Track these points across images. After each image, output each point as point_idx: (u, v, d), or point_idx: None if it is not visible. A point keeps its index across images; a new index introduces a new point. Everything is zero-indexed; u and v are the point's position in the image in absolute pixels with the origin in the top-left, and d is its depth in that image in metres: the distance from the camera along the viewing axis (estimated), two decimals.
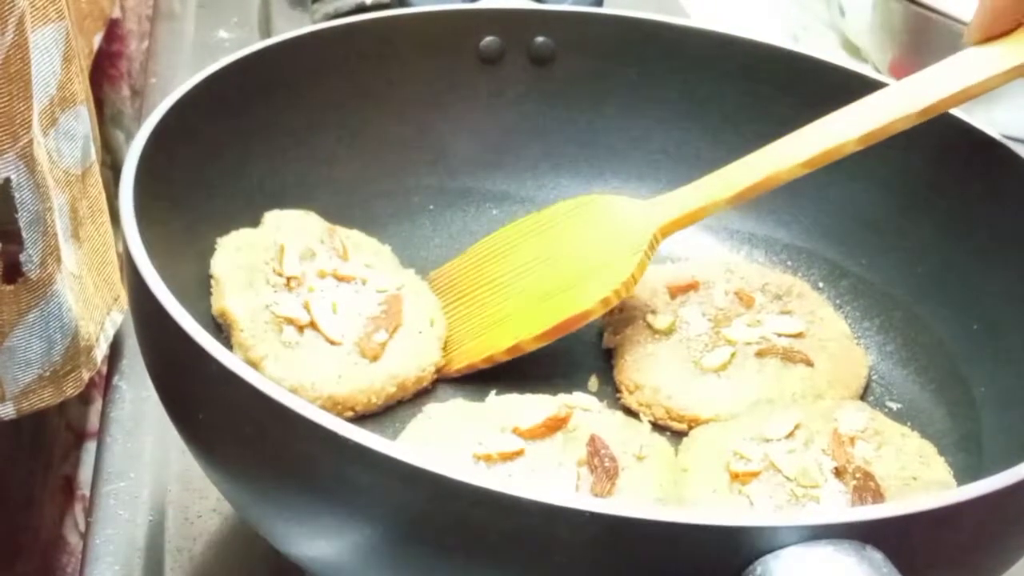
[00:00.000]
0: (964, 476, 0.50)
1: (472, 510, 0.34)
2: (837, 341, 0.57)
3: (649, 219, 0.56)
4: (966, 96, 0.52)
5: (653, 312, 0.58)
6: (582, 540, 0.34)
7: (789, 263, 0.63)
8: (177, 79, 0.88)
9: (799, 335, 0.57)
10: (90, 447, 0.70)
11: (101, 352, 0.55)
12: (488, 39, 0.62)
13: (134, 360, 0.60)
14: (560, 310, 0.54)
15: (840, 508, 0.46)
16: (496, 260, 0.59)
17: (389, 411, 0.54)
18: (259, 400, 0.36)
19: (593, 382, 0.56)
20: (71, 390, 0.52)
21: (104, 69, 0.77)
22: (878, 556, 0.34)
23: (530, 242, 0.59)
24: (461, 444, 0.48)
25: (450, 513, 0.35)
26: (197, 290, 0.53)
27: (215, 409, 0.40)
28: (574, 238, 0.58)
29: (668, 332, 0.57)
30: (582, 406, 0.52)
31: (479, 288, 0.58)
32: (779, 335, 0.57)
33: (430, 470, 0.34)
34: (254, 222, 0.56)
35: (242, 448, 0.40)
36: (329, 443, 0.35)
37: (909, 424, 0.53)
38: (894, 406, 0.56)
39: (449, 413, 0.51)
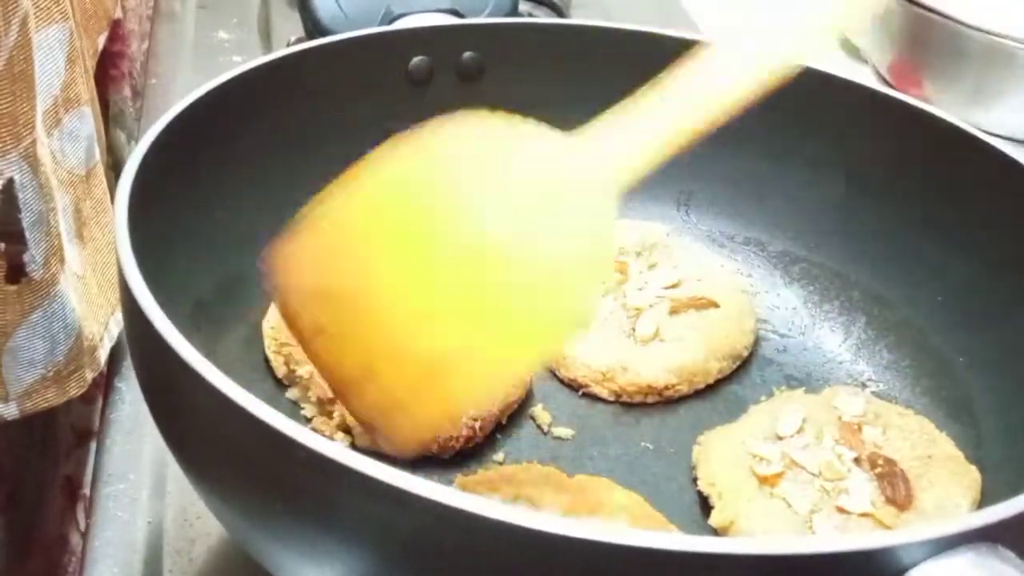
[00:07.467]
0: (968, 447, 0.50)
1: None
2: (713, 276, 0.59)
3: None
4: None
5: None
6: None
7: (737, 256, 0.63)
8: (177, 80, 0.88)
9: (677, 284, 0.58)
10: (93, 447, 0.70)
11: (105, 352, 0.55)
12: (417, 59, 0.61)
13: None
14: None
15: (965, 513, 0.45)
16: None
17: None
18: (257, 427, 0.34)
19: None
20: (75, 390, 0.52)
21: (106, 69, 0.77)
22: (1010, 554, 0.33)
23: None
24: None
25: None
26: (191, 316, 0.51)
27: (207, 433, 0.39)
28: None
29: None
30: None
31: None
32: (666, 288, 0.58)
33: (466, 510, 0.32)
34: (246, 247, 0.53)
35: (238, 477, 0.38)
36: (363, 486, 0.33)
37: (895, 403, 0.53)
38: (874, 387, 0.55)
39: None
